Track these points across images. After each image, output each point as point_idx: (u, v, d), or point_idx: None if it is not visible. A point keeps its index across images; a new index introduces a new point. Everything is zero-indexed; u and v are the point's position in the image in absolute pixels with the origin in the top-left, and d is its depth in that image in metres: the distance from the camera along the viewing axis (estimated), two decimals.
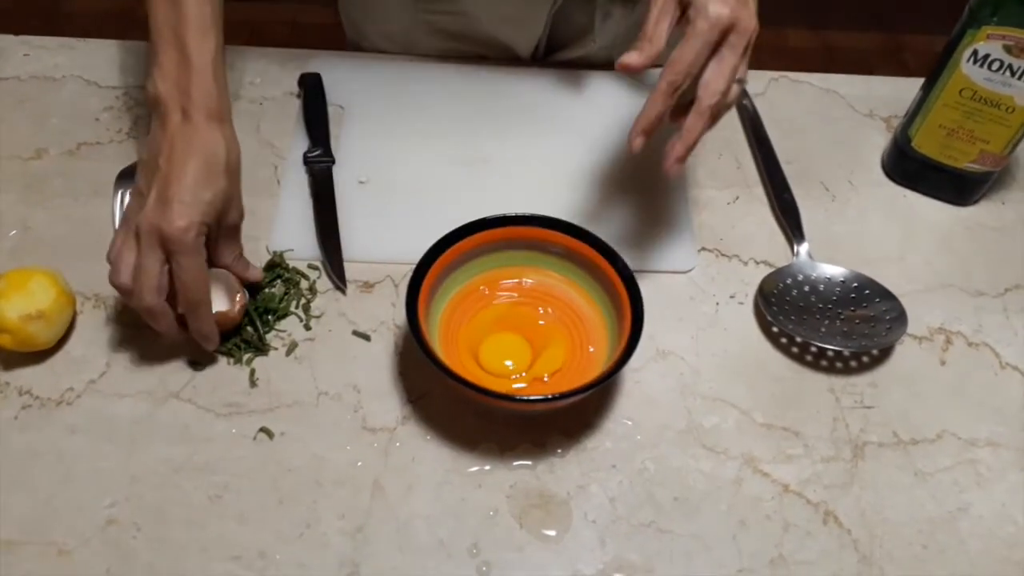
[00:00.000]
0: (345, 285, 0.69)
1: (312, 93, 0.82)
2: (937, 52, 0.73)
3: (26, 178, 0.75)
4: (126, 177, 0.74)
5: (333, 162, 0.77)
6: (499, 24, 0.86)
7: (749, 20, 0.56)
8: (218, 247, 0.63)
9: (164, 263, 0.58)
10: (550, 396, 0.56)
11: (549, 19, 0.85)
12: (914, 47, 2.19)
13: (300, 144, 0.78)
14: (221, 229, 0.63)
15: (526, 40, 0.87)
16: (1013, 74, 0.68)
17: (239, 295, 0.64)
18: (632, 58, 0.56)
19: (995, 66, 0.69)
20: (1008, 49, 0.67)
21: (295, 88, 0.84)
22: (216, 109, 0.62)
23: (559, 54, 0.90)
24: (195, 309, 0.60)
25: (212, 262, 0.62)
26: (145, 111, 0.81)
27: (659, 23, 0.57)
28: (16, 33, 0.87)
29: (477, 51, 0.89)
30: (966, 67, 0.70)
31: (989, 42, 0.68)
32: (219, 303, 0.63)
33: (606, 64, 0.87)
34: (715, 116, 0.57)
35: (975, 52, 0.69)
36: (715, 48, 0.56)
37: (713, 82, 0.56)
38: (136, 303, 0.59)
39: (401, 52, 0.89)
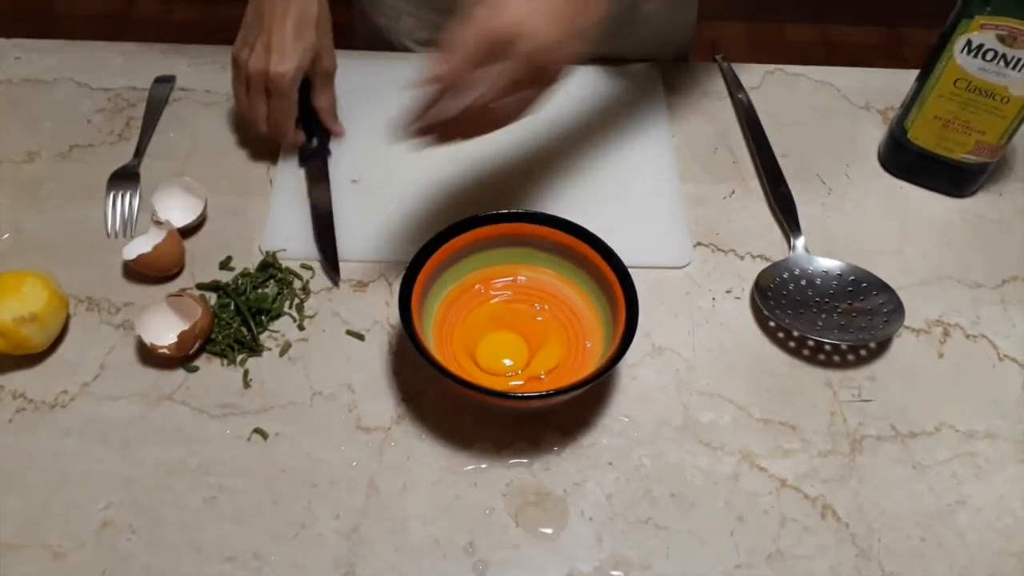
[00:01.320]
0: (339, 276, 0.69)
1: (307, 88, 0.81)
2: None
3: (19, 181, 0.75)
4: (118, 179, 0.74)
5: (330, 154, 0.77)
6: None
7: (533, 33, 0.53)
8: (315, 91, 0.75)
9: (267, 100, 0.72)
10: (545, 393, 0.56)
11: None
12: (913, 41, 2.18)
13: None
14: (316, 76, 0.74)
15: None
16: (1007, 64, 0.68)
17: (199, 314, 0.63)
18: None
19: (989, 56, 0.68)
20: (1002, 39, 0.67)
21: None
22: None
23: None
24: (280, 133, 0.74)
25: (312, 105, 0.75)
26: (137, 112, 0.80)
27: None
28: (9, 36, 0.87)
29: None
30: (960, 57, 0.70)
31: (983, 32, 0.67)
32: (177, 327, 0.62)
33: (596, 59, 0.87)
34: (485, 109, 0.56)
35: (969, 42, 0.68)
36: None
37: (491, 86, 0.55)
38: (251, 129, 0.75)
39: (393, 44, 0.90)
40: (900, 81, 0.81)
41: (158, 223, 0.68)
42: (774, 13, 2.26)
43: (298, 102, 0.74)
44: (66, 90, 0.83)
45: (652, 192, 0.76)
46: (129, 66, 0.85)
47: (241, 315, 0.65)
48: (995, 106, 0.70)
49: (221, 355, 0.64)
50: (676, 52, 0.96)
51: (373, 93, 0.83)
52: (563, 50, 0.55)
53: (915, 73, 0.77)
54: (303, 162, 0.76)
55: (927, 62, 0.73)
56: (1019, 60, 0.67)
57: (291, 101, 0.72)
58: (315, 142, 0.77)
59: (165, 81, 0.83)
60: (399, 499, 0.58)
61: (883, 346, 0.67)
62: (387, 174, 0.76)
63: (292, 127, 0.74)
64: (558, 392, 0.56)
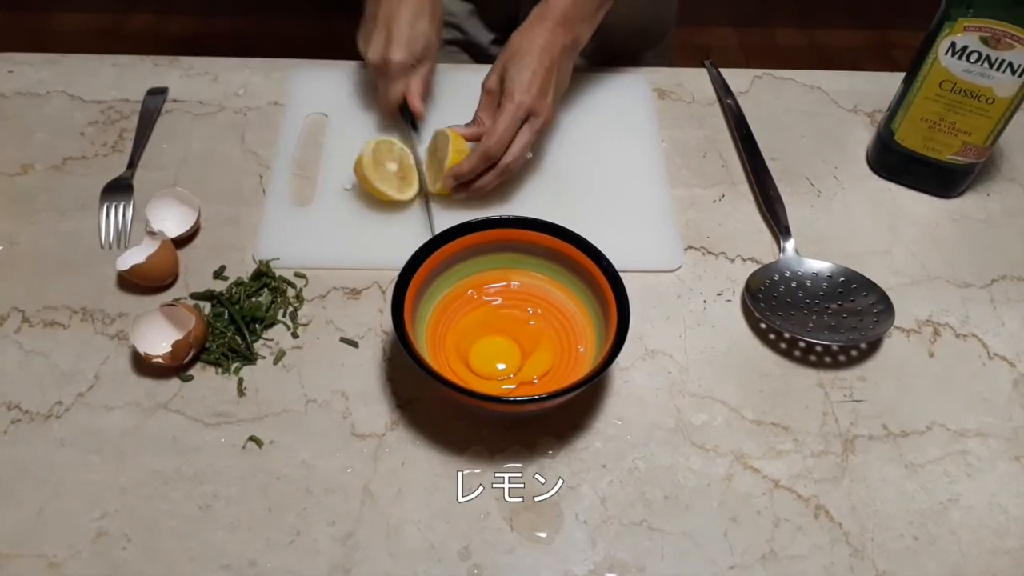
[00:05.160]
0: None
1: None
2: None
3: (12, 194, 0.75)
4: (112, 190, 0.75)
5: (417, 131, 0.81)
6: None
7: (545, 110, 0.73)
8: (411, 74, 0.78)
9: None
10: (538, 397, 0.56)
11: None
12: (903, 44, 2.19)
13: (285, 153, 0.79)
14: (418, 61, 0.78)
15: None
16: (991, 65, 0.68)
17: (192, 323, 0.63)
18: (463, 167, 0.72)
19: (973, 57, 0.69)
20: (985, 40, 0.68)
21: (279, 98, 0.84)
22: None
23: None
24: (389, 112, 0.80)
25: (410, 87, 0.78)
26: (130, 124, 0.81)
27: (484, 114, 0.75)
28: (2, 50, 0.88)
29: (463, 38, 0.95)
30: (945, 60, 0.70)
31: (966, 34, 0.68)
32: (171, 337, 0.63)
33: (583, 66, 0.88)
34: (506, 174, 0.73)
35: (953, 44, 0.69)
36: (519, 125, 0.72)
37: (515, 148, 0.72)
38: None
39: None
40: (887, 83, 0.82)
41: (152, 234, 0.68)
42: (764, 18, 2.27)
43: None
44: (59, 103, 0.83)
45: (642, 196, 0.77)
46: (122, 78, 0.86)
47: (235, 324, 0.66)
48: (981, 107, 0.71)
49: (215, 364, 0.64)
50: (658, 32, 0.97)
51: (363, 101, 0.83)
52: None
53: (902, 75, 0.77)
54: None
55: (913, 64, 0.74)
56: (1003, 61, 0.68)
57: (398, 84, 0.77)
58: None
59: (158, 93, 0.83)
60: (394, 505, 0.58)
61: (874, 346, 0.67)
62: None
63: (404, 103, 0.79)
64: (551, 396, 0.56)
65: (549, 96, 0.73)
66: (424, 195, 0.75)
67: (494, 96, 0.74)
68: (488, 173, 0.73)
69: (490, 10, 0.96)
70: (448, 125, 0.75)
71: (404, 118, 0.80)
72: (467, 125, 0.76)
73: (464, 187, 0.74)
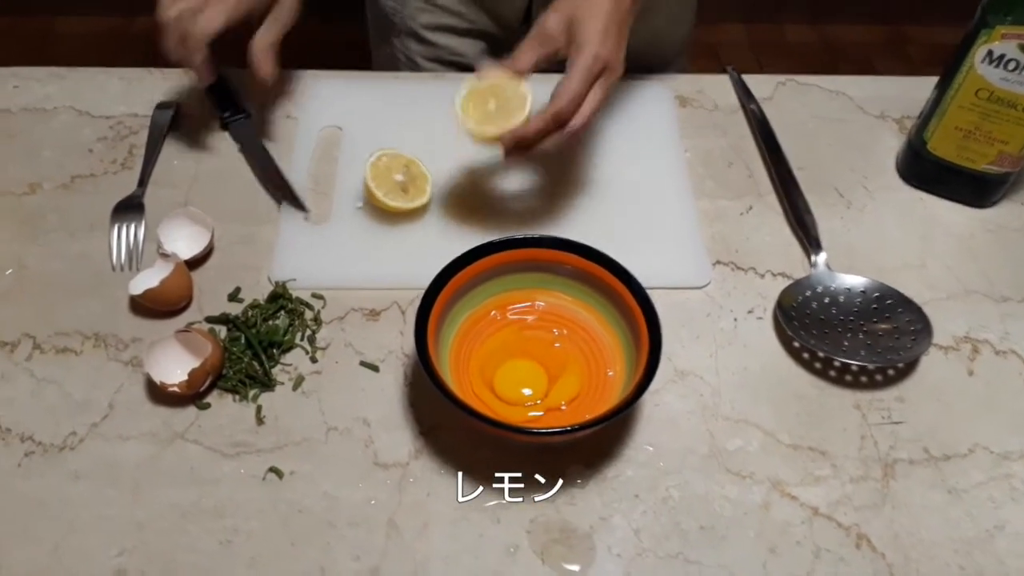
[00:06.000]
0: (305, 208, 0.73)
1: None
2: (941, 44, 0.71)
3: (20, 214, 0.73)
4: (122, 210, 0.73)
5: (248, 116, 0.80)
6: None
7: (619, 65, 0.64)
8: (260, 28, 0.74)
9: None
10: (567, 428, 0.54)
11: None
12: (917, 39, 2.16)
13: (300, 168, 0.77)
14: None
15: (513, 13, 0.89)
16: None
17: (209, 350, 0.61)
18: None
19: (1011, 66, 0.67)
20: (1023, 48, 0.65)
21: (293, 111, 0.82)
22: None
23: None
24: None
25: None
26: (139, 139, 0.79)
27: (528, 52, 0.64)
28: (8, 57, 0.86)
29: (466, 24, 0.91)
30: (981, 67, 0.68)
31: (1004, 42, 0.66)
32: (187, 364, 0.61)
33: None
34: (573, 139, 0.65)
35: (990, 52, 0.67)
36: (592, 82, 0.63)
37: (586, 109, 0.63)
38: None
39: (398, 26, 0.92)
40: (915, 88, 0.80)
41: (164, 255, 0.66)
42: (773, 13, 2.24)
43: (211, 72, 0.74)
44: (66, 119, 0.81)
45: (667, 209, 0.75)
46: (130, 92, 0.84)
47: (252, 349, 0.64)
48: (1018, 116, 0.69)
49: (233, 391, 0.62)
50: (675, 50, 0.95)
51: (378, 114, 0.81)
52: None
53: (929, 79, 0.75)
54: (225, 127, 0.80)
55: (946, 72, 0.72)
56: None
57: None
58: (229, 109, 0.80)
59: (167, 107, 0.81)
60: (420, 538, 0.56)
61: (911, 365, 0.65)
62: None
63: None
64: (580, 427, 0.54)
65: (623, 51, 0.64)
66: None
67: (551, 41, 0.64)
68: (552, 136, 0.64)
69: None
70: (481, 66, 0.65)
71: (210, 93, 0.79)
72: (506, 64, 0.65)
73: (519, 152, 0.64)
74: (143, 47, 2.10)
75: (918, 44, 2.14)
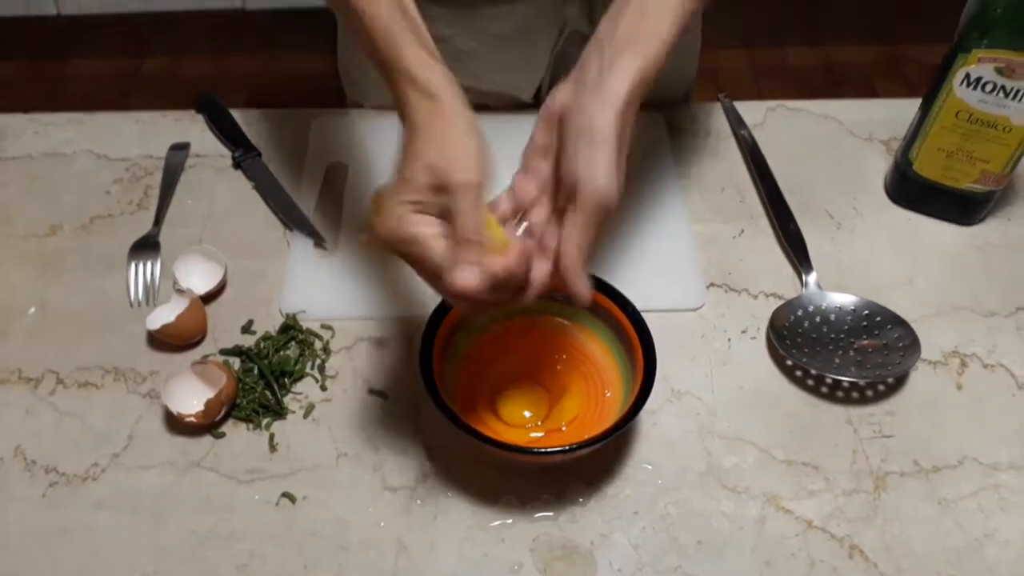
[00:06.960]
0: (323, 240, 0.76)
1: (211, 108, 0.88)
2: (938, 64, 0.73)
3: (43, 255, 0.76)
4: (139, 249, 0.76)
5: (259, 154, 0.84)
6: (502, 71, 0.87)
7: (616, 199, 0.52)
8: None
9: None
10: (567, 447, 0.56)
11: (551, 61, 0.87)
12: (915, 59, 2.18)
13: (307, 204, 0.80)
14: None
15: (529, 83, 0.89)
16: (1007, 95, 0.69)
17: (223, 381, 0.64)
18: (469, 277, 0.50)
19: (988, 88, 0.69)
20: (1000, 71, 0.68)
21: (300, 148, 0.85)
22: None
23: None
24: None
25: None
26: (154, 180, 0.82)
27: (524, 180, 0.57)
28: (20, 100, 0.89)
29: (480, 100, 0.90)
30: (960, 90, 0.71)
31: (980, 65, 0.68)
32: (202, 395, 0.63)
33: None
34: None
35: (967, 75, 0.69)
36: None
37: (575, 249, 0.53)
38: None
39: None
40: (902, 111, 0.82)
41: (180, 291, 0.69)
42: (774, 37, 2.27)
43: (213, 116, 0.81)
44: (85, 162, 0.85)
45: (663, 234, 0.77)
46: (144, 134, 0.87)
47: (265, 379, 0.67)
48: (998, 136, 0.71)
49: (247, 420, 0.65)
50: (680, 92, 0.97)
51: (384, 149, 0.84)
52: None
53: (915, 101, 0.78)
54: (237, 166, 0.84)
55: (927, 95, 0.74)
56: (1018, 91, 0.68)
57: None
58: (241, 148, 0.84)
59: (180, 148, 0.85)
60: (428, 558, 0.58)
61: (901, 380, 0.67)
62: None
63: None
64: (581, 445, 0.56)
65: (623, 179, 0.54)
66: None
67: (545, 152, 0.58)
68: (530, 288, 0.54)
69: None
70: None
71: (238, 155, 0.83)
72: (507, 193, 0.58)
73: (482, 305, 0.52)
74: (153, 89, 2.16)
75: (914, 64, 2.16)
